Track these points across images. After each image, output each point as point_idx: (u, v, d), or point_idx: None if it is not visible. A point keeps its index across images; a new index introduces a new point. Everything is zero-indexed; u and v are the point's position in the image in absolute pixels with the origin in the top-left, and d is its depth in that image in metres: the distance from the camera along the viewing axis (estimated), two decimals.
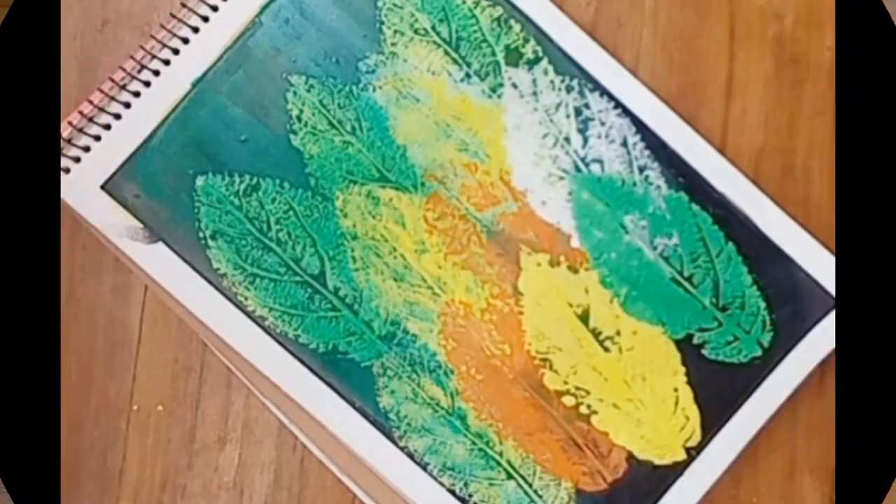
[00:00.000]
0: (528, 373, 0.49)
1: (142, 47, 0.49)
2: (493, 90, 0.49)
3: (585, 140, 0.49)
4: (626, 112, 0.49)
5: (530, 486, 0.48)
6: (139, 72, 0.49)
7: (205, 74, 0.49)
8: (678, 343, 0.49)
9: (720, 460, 0.48)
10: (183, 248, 0.48)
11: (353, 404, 0.48)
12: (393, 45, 0.49)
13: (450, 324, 0.49)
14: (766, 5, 0.50)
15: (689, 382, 0.48)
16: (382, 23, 0.49)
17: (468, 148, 0.49)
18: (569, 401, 0.49)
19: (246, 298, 0.48)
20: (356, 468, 0.48)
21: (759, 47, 0.50)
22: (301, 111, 0.49)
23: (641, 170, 0.49)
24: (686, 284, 0.49)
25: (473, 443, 0.48)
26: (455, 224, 0.49)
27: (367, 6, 0.49)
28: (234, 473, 0.50)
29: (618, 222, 0.49)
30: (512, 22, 0.49)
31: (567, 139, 0.49)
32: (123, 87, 0.48)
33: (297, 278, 0.49)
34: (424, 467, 0.48)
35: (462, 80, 0.49)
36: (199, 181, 0.49)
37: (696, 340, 0.49)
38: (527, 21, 0.49)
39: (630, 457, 0.48)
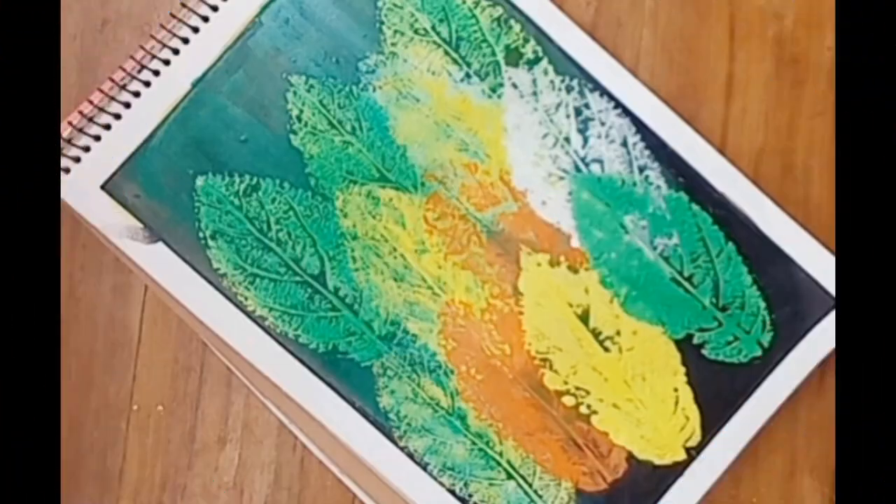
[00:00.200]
0: (528, 373, 0.49)
1: (142, 47, 0.49)
2: (493, 90, 0.49)
3: (585, 140, 0.49)
4: (626, 112, 0.49)
5: (530, 486, 0.48)
6: (139, 72, 0.49)
7: (205, 74, 0.49)
8: (678, 343, 0.49)
9: (720, 460, 0.48)
10: (183, 248, 0.48)
11: (353, 404, 0.48)
12: (393, 45, 0.49)
13: (450, 324, 0.49)
14: (766, 5, 0.50)
15: (689, 382, 0.49)
16: (382, 23, 0.49)
17: (468, 148, 0.49)
18: (569, 401, 0.49)
19: (246, 298, 0.48)
20: (356, 468, 0.48)
21: (759, 47, 0.50)
22: (301, 111, 0.49)
23: (641, 170, 0.49)
24: (686, 284, 0.49)
25: (473, 443, 0.48)
26: (455, 224, 0.49)
27: (367, 6, 0.49)
28: (234, 473, 0.50)
29: (618, 222, 0.49)
30: (512, 22, 0.49)
31: (567, 139, 0.49)
32: (123, 87, 0.48)
33: (297, 278, 0.49)
34: (424, 467, 0.48)
35: (462, 80, 0.49)
36: (199, 181, 0.49)
37: (696, 340, 0.49)
38: (527, 21, 0.49)
39: (630, 457, 0.48)
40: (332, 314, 0.49)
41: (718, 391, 0.48)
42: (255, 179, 0.49)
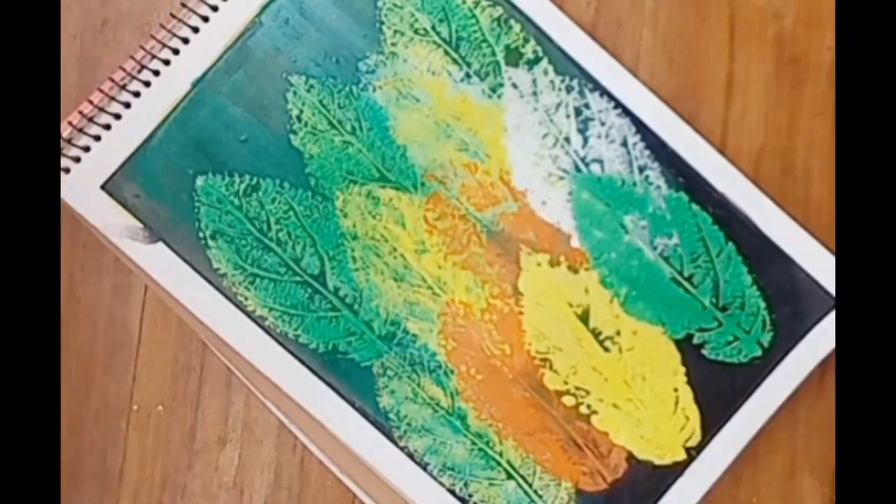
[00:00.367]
0: (528, 373, 0.49)
1: (142, 47, 0.49)
2: (493, 90, 0.49)
3: (585, 140, 0.49)
4: (626, 112, 0.49)
5: (530, 486, 0.48)
6: (139, 72, 0.49)
7: (205, 74, 0.49)
8: (678, 343, 0.49)
9: (720, 460, 0.48)
10: (183, 248, 0.48)
11: (353, 404, 0.48)
12: (393, 45, 0.49)
13: (450, 324, 0.49)
14: (766, 5, 0.50)
15: (689, 382, 0.48)
16: (382, 23, 0.49)
17: (468, 148, 0.49)
18: (569, 401, 0.49)
19: (246, 298, 0.48)
20: (356, 468, 0.48)
21: (759, 47, 0.50)
22: (301, 111, 0.49)
23: (641, 170, 0.49)
24: (686, 284, 0.49)
25: (473, 443, 0.48)
26: (455, 224, 0.49)
27: (367, 6, 0.49)
28: (234, 473, 0.50)
29: (618, 222, 0.49)
30: (512, 22, 0.49)
31: (567, 139, 0.49)
32: (123, 87, 0.48)
33: (297, 278, 0.49)
34: (424, 467, 0.48)
35: (462, 80, 0.49)
36: (199, 181, 0.49)
37: (696, 340, 0.49)
38: (527, 21, 0.49)
39: (630, 457, 0.48)
40: (332, 314, 0.49)
41: (718, 391, 0.48)
42: (255, 179, 0.49)
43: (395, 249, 0.49)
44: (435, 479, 0.48)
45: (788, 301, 0.49)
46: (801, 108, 0.50)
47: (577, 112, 0.49)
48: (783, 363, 0.48)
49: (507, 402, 0.49)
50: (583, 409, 0.48)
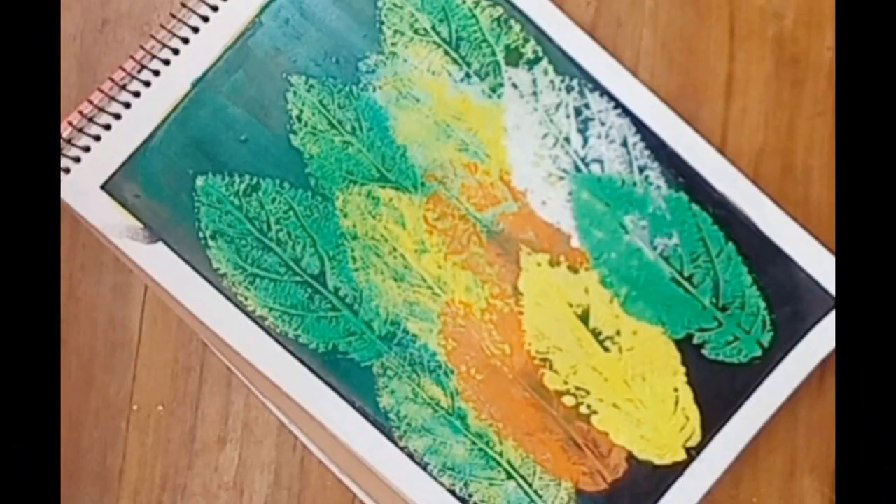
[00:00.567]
0: (528, 373, 0.49)
1: (142, 47, 0.49)
2: (493, 90, 0.49)
3: (585, 140, 0.49)
4: (626, 112, 0.49)
5: (530, 486, 0.48)
6: (139, 72, 0.49)
7: (205, 74, 0.49)
8: (678, 343, 0.49)
9: (720, 460, 0.48)
10: (183, 248, 0.48)
11: (353, 404, 0.48)
12: (393, 45, 0.49)
13: (450, 324, 0.49)
14: (766, 5, 0.50)
15: (689, 382, 0.49)
16: (382, 23, 0.49)
17: (468, 148, 0.49)
18: (569, 401, 0.49)
19: (246, 298, 0.48)
20: (356, 468, 0.48)
21: (759, 47, 0.50)
22: (301, 111, 0.49)
23: (641, 170, 0.49)
24: (686, 284, 0.49)
25: (473, 443, 0.48)
26: (455, 224, 0.49)
27: (367, 6, 0.49)
28: (234, 473, 0.50)
29: (618, 222, 0.49)
30: (512, 22, 0.49)
31: (567, 139, 0.49)
32: (123, 87, 0.48)
33: (297, 278, 0.49)
34: (424, 467, 0.48)
35: (462, 80, 0.49)
36: (199, 181, 0.49)
37: (696, 340, 0.49)
38: (527, 21, 0.49)
39: (630, 457, 0.48)
40: (332, 314, 0.49)
41: (718, 391, 0.48)
42: (255, 179, 0.49)
43: (395, 249, 0.49)
44: (435, 479, 0.48)
45: (788, 301, 0.49)
46: (801, 108, 0.50)
47: (577, 112, 0.49)
48: (783, 363, 0.48)
49: (507, 402, 0.49)
50: (583, 409, 0.48)
